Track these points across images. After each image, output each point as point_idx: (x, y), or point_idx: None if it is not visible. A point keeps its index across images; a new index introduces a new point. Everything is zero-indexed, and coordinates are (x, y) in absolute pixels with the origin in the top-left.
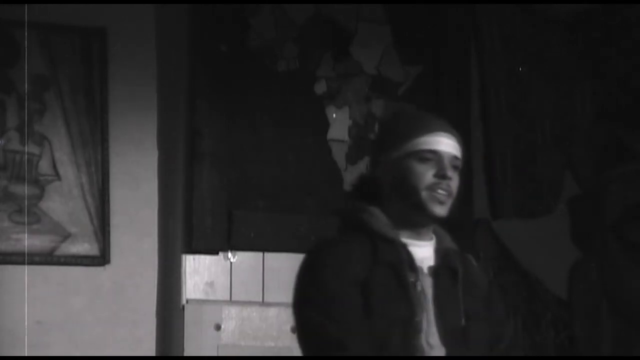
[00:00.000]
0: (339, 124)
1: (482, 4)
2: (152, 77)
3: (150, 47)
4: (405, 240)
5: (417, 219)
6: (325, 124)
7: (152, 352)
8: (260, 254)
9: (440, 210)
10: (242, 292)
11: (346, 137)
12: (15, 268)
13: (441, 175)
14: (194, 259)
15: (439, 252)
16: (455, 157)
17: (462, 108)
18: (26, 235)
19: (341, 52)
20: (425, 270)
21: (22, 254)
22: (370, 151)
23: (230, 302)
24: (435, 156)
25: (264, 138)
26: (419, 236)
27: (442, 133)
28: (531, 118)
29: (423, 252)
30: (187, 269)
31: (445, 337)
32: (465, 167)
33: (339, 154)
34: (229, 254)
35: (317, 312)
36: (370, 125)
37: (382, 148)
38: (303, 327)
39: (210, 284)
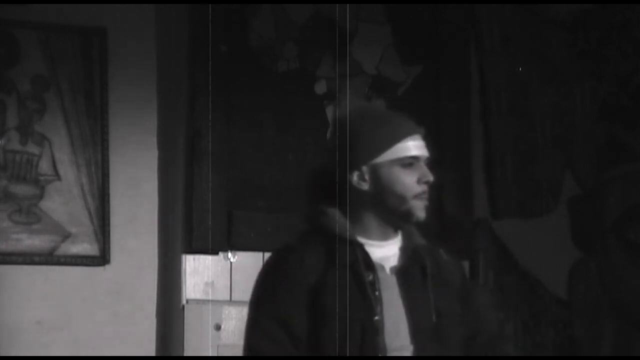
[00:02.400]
0: None
1: (482, 4)
2: (152, 77)
3: (150, 47)
4: (363, 240)
5: (399, 224)
6: (325, 124)
7: (152, 352)
8: (260, 254)
9: (423, 215)
10: (242, 292)
11: None
12: (15, 268)
13: (425, 182)
14: (194, 259)
15: (406, 249)
16: (428, 158)
17: (462, 108)
18: (26, 235)
19: (341, 52)
20: (388, 269)
21: (22, 254)
22: (340, 156)
23: (230, 302)
24: (416, 161)
25: (264, 138)
26: (383, 236)
27: (416, 135)
28: (531, 118)
29: (384, 251)
30: (187, 269)
31: (415, 336)
32: (465, 167)
33: None
34: (229, 254)
35: (267, 317)
36: None
37: (360, 155)
38: (253, 330)
39: (210, 284)
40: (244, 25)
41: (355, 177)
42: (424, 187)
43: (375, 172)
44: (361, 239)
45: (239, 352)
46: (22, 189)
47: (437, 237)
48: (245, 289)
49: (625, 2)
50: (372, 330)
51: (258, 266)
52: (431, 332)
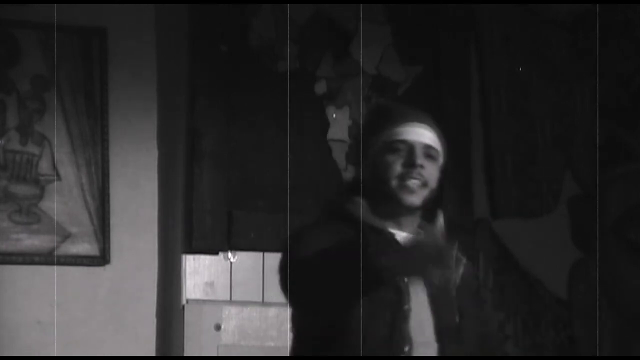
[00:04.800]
0: (339, 124)
1: (482, 4)
2: (152, 77)
3: (150, 47)
4: (394, 230)
5: (392, 209)
6: (325, 124)
7: (152, 352)
8: (260, 254)
9: (412, 199)
10: (242, 292)
11: (346, 137)
12: (15, 268)
13: (410, 164)
14: (194, 259)
15: None
16: (429, 146)
17: (462, 108)
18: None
19: (341, 52)
20: None
21: (22, 254)
22: (355, 153)
23: (230, 302)
24: (405, 146)
25: (264, 138)
26: (403, 229)
27: (414, 123)
28: (531, 118)
29: None
30: (187, 269)
31: (440, 334)
32: (465, 167)
33: (339, 154)
34: (229, 254)
35: (306, 288)
36: None
37: (364, 148)
38: (295, 279)
39: (210, 284)
40: (244, 25)
41: (360, 167)
42: (408, 170)
43: (370, 160)
44: (391, 230)
45: (239, 352)
46: (22, 189)
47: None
48: (245, 289)
49: (625, 2)
50: (401, 317)
51: (258, 266)
52: (454, 333)
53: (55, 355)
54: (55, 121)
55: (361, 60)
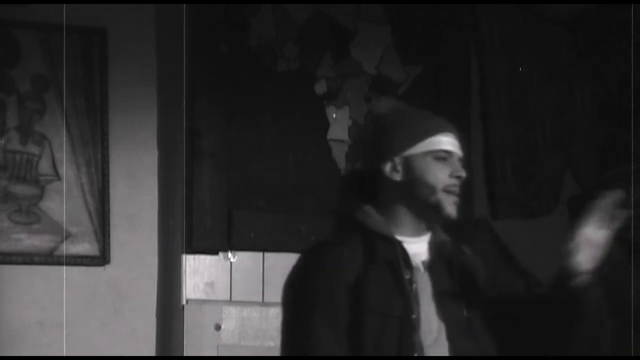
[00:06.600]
0: (339, 124)
1: (482, 4)
2: (152, 77)
3: (150, 47)
4: (399, 237)
5: (429, 218)
6: (325, 124)
7: (152, 352)
8: (260, 254)
9: (453, 211)
10: (242, 292)
11: (346, 137)
12: (15, 268)
13: (457, 176)
14: (194, 259)
15: (433, 245)
16: (461, 159)
17: (462, 108)
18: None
19: (341, 52)
20: (421, 266)
21: (22, 254)
22: (373, 148)
23: (230, 302)
24: (449, 156)
25: (264, 138)
26: (415, 232)
27: (451, 134)
28: (531, 118)
29: (417, 247)
30: (187, 269)
31: (450, 331)
32: (466, 166)
33: (339, 154)
34: (229, 254)
35: (308, 313)
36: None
37: (394, 145)
38: (291, 325)
39: (210, 284)
40: (244, 25)
41: (388, 167)
42: (455, 181)
43: (408, 163)
44: (397, 236)
45: (239, 352)
46: (22, 189)
47: (459, 235)
48: (245, 289)
49: (625, 2)
50: (409, 328)
51: (258, 266)
52: (464, 327)
53: (56, 355)
54: (55, 121)
55: (356, 59)
